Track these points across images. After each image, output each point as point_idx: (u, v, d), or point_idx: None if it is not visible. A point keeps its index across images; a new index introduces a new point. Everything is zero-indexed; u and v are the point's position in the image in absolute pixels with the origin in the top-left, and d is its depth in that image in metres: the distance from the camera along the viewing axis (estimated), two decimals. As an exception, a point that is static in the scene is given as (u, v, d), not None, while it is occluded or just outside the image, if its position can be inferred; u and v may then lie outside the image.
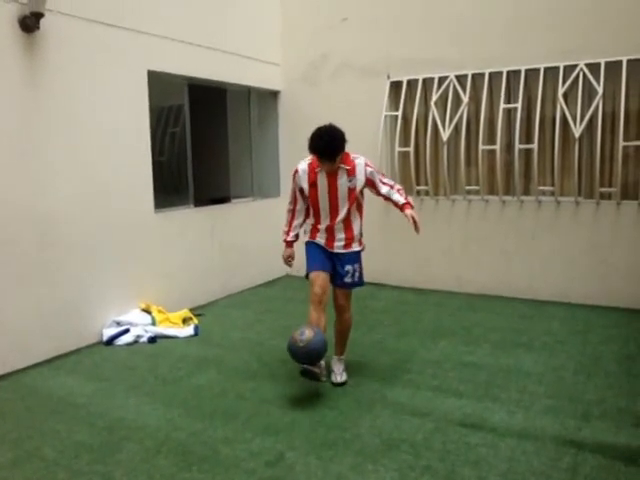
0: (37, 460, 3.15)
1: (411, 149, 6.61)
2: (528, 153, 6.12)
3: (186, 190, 6.18)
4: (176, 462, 3.09)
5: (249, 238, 6.97)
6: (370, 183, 3.92)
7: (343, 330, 4.15)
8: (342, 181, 3.84)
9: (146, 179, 5.58)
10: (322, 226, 3.97)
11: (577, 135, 5.76)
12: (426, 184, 6.72)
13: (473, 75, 6.35)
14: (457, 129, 6.46)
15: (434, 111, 6.48)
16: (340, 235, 3.96)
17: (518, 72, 6.10)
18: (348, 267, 3.97)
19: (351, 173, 3.84)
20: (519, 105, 6.03)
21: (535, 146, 5.94)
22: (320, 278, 3.90)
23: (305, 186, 3.91)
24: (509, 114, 6.25)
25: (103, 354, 4.83)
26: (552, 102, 6.00)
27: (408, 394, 3.89)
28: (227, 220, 6.71)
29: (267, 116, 7.56)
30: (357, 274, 4.03)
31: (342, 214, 3.90)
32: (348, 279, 3.99)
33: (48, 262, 4.67)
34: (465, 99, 6.31)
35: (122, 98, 5.28)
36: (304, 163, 3.94)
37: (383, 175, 4.06)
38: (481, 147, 6.26)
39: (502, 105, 6.14)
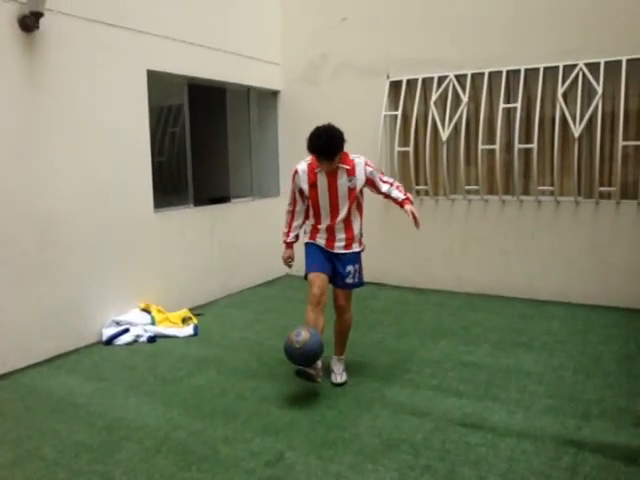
0: (37, 460, 3.15)
1: (411, 149, 6.61)
2: (528, 153, 6.12)
3: (186, 190, 6.18)
4: (176, 462, 3.09)
5: (249, 238, 6.97)
6: (370, 182, 3.92)
7: (343, 330, 4.15)
8: (342, 181, 3.84)
9: (146, 179, 5.58)
10: (322, 226, 3.97)
11: (577, 135, 5.77)
12: (426, 184, 6.72)
13: (473, 75, 6.35)
14: (457, 129, 6.46)
15: (434, 111, 6.48)
16: (340, 235, 3.96)
17: (518, 72, 6.09)
18: (349, 267, 3.97)
19: (351, 173, 3.84)
20: (519, 105, 6.03)
21: (535, 146, 5.94)
22: (319, 279, 3.90)
23: (305, 187, 3.91)
24: (509, 114, 6.25)
25: (103, 354, 4.83)
26: (552, 102, 6.00)
27: (408, 394, 3.89)
28: (227, 220, 6.71)
29: (267, 116, 7.56)
30: (357, 274, 4.03)
31: (342, 214, 3.90)
32: (349, 280, 3.99)
33: (48, 262, 4.67)
34: (465, 99, 6.31)
35: (122, 98, 5.28)
36: (304, 164, 3.94)
37: (382, 173, 4.08)
38: (481, 147, 6.26)
39: (502, 105, 6.14)
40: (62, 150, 4.76)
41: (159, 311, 5.48)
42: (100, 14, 5.00)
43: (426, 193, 6.74)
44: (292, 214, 4.10)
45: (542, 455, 3.07)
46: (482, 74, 6.28)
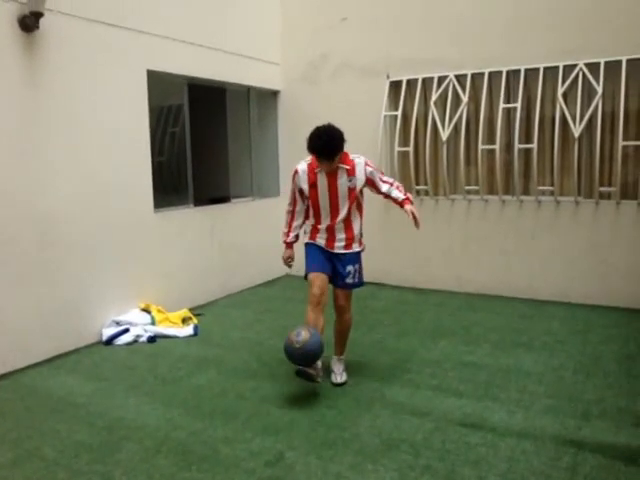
0: (37, 460, 3.15)
1: (411, 149, 6.61)
2: (528, 153, 6.12)
3: (186, 190, 6.18)
4: (176, 462, 3.09)
5: (249, 238, 6.97)
6: (370, 182, 3.93)
7: (343, 330, 4.15)
8: (342, 181, 3.84)
9: (146, 179, 5.59)
10: (322, 226, 3.97)
11: (577, 135, 5.77)
12: (426, 184, 6.72)
13: (473, 75, 6.35)
14: (457, 129, 6.46)
15: (434, 111, 6.48)
16: (340, 235, 3.96)
17: (518, 72, 6.09)
18: (349, 267, 3.97)
19: (351, 173, 3.84)
20: (519, 105, 6.03)
21: (535, 146, 5.94)
22: (319, 279, 3.90)
23: (305, 187, 3.91)
24: (509, 114, 6.25)
25: (103, 354, 4.83)
26: (552, 102, 6.00)
27: (408, 394, 3.89)
28: (227, 220, 6.71)
29: (267, 116, 7.56)
30: (357, 274, 4.03)
31: (342, 214, 3.90)
32: (349, 280, 3.99)
33: (48, 262, 4.67)
34: (465, 99, 6.31)
35: (122, 98, 5.28)
36: (303, 164, 3.94)
37: (382, 173, 4.08)
38: (481, 147, 6.26)
39: (502, 105, 6.14)
40: (62, 150, 4.76)
41: (159, 311, 5.48)
42: (100, 14, 5.00)
43: (426, 193, 6.74)
44: (292, 214, 4.10)
45: (542, 455, 3.07)
46: (482, 74, 6.28)
